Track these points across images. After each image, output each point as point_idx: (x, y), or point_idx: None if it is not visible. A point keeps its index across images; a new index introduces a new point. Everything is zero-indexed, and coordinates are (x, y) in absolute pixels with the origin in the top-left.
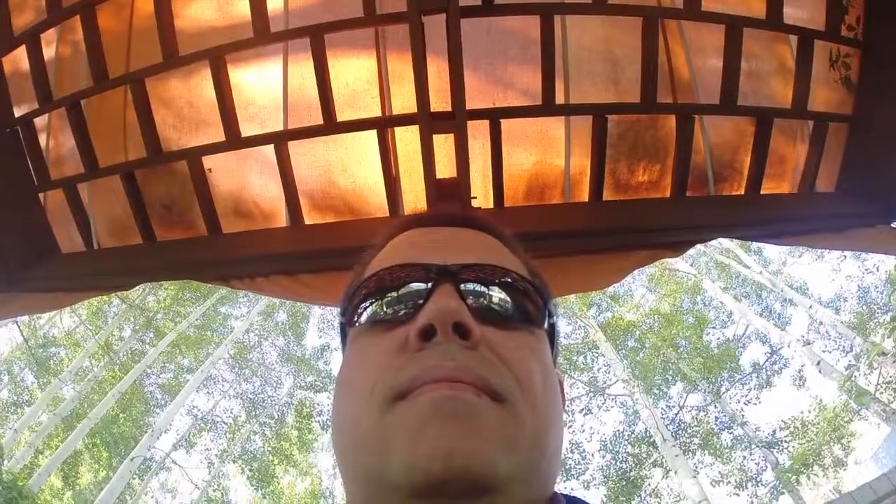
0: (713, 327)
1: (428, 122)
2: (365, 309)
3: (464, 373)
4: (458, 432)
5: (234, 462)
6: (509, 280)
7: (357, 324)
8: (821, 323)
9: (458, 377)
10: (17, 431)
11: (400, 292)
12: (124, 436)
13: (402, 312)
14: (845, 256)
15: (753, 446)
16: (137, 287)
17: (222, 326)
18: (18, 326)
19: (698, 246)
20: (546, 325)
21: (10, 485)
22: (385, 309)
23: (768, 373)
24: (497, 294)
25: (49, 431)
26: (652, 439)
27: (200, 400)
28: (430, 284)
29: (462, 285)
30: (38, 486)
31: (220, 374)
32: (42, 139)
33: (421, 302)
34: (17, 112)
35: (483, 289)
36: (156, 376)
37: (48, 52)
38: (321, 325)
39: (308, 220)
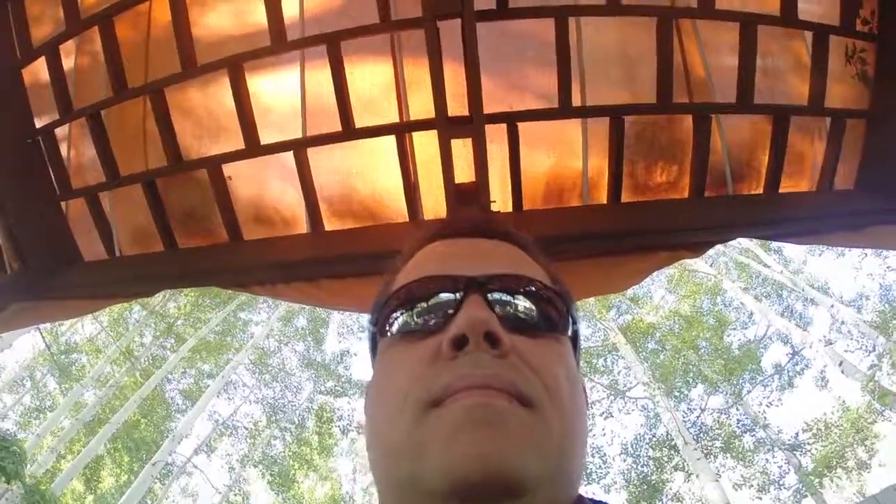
0: (734, 328)
1: (446, 126)
2: (396, 319)
3: (495, 380)
4: (490, 438)
5: (255, 466)
6: (533, 289)
7: (388, 334)
8: (842, 322)
9: (489, 384)
10: (39, 436)
11: (429, 303)
12: (145, 441)
13: (433, 323)
14: (866, 254)
15: (776, 449)
16: (158, 294)
17: (242, 332)
18: (41, 333)
19: (718, 246)
20: (570, 332)
21: (33, 489)
22: (415, 319)
23: (790, 374)
24: (522, 303)
25: (71, 436)
26: (673, 442)
27: (221, 405)
28: (459, 295)
29: (489, 295)
30: (61, 490)
31: (240, 380)
32: (63, 149)
33: (451, 312)
34: (38, 123)
35: (509, 298)
36: (176, 382)
37: (67, 63)
38: (341, 330)
39: (328, 227)
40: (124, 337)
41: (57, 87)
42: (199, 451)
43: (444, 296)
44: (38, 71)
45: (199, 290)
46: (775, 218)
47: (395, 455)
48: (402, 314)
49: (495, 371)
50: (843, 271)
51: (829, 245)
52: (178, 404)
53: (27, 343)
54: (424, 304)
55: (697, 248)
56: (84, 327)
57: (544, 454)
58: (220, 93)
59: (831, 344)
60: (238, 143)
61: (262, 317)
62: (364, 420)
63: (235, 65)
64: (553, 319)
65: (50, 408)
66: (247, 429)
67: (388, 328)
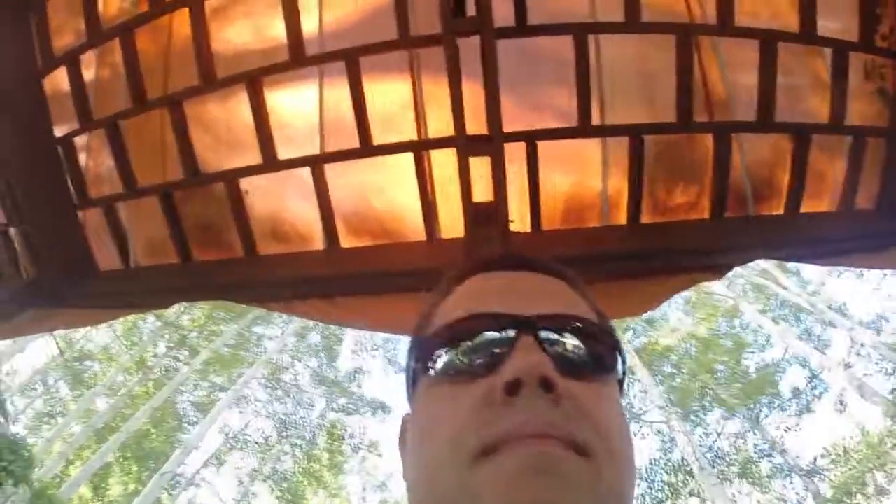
0: (751, 351)
1: (465, 145)
2: (439, 357)
3: (553, 429)
4: (547, 486)
5: (264, 482)
6: (584, 328)
7: (431, 371)
8: (862, 345)
9: (546, 433)
10: (49, 441)
11: (477, 343)
12: (155, 451)
13: (481, 363)
14: (885, 275)
15: (794, 474)
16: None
17: (256, 346)
18: (55, 339)
19: (737, 268)
20: (619, 373)
21: (40, 493)
22: (462, 359)
23: (808, 398)
24: (572, 343)
25: (81, 443)
26: (689, 467)
27: (232, 419)
28: (511, 334)
29: (541, 335)
30: (68, 496)
31: (252, 394)
32: (81, 159)
33: (500, 353)
34: (58, 132)
35: (560, 339)
36: (189, 394)
37: (87, 74)
38: (354, 347)
39: (344, 244)
40: (138, 346)
41: (77, 97)
42: (209, 463)
43: (493, 335)
44: (59, 81)
45: (213, 304)
46: (796, 239)
47: (445, 502)
48: (447, 352)
49: (552, 419)
50: (862, 293)
51: (851, 266)
52: (189, 416)
53: (40, 348)
54: (471, 343)
55: (718, 271)
56: (98, 335)
57: (597, 501)
58: (239, 107)
59: (850, 367)
60: (255, 158)
61: (276, 332)
62: (404, 458)
63: (254, 79)
64: (603, 361)
65: (61, 413)
66: (257, 444)
67: (430, 366)
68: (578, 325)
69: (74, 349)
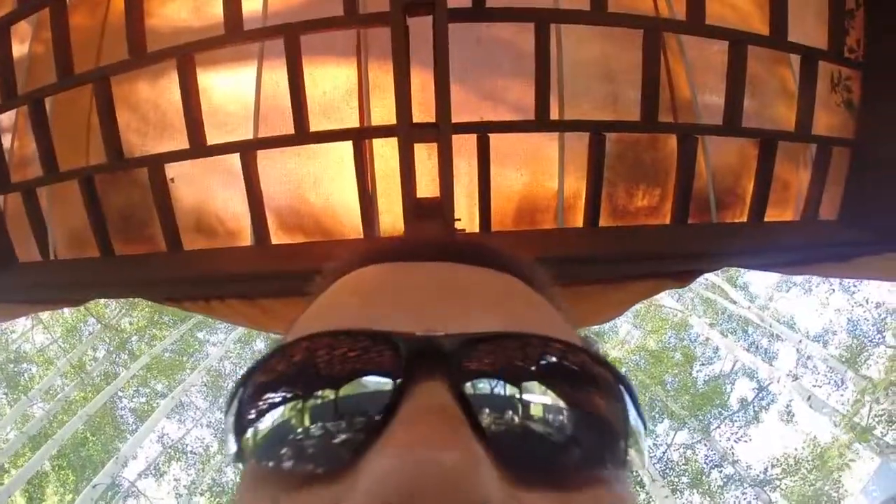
0: (701, 363)
1: (408, 131)
2: (266, 420)
3: None
4: None
5: (202, 494)
6: (562, 362)
7: (250, 445)
8: (808, 357)
9: None
10: None
11: (340, 393)
12: (92, 460)
13: (324, 452)
14: (833, 290)
15: (746, 485)
16: (113, 307)
17: (198, 352)
18: None
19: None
20: (638, 453)
21: None
22: (295, 433)
23: (756, 408)
24: (538, 398)
25: (16, 449)
26: (639, 479)
27: (171, 427)
28: (397, 382)
29: (467, 384)
30: None
31: (192, 402)
32: (7, 139)
33: (368, 423)
34: None
35: (509, 390)
36: (128, 400)
37: (21, 49)
38: None
39: (275, 240)
40: (77, 349)
41: (1, 71)
42: (147, 474)
43: (371, 381)
44: None
45: (155, 306)
46: (760, 247)
47: None
48: (282, 411)
49: None
50: (809, 307)
51: (816, 275)
52: (129, 424)
53: None
54: (329, 394)
55: (683, 278)
56: (35, 337)
57: None
58: (170, 88)
59: (798, 379)
60: (184, 144)
61: (220, 337)
62: None
63: (185, 55)
64: (604, 433)
65: None
66: (195, 454)
67: (250, 436)
68: (547, 353)
69: (10, 351)
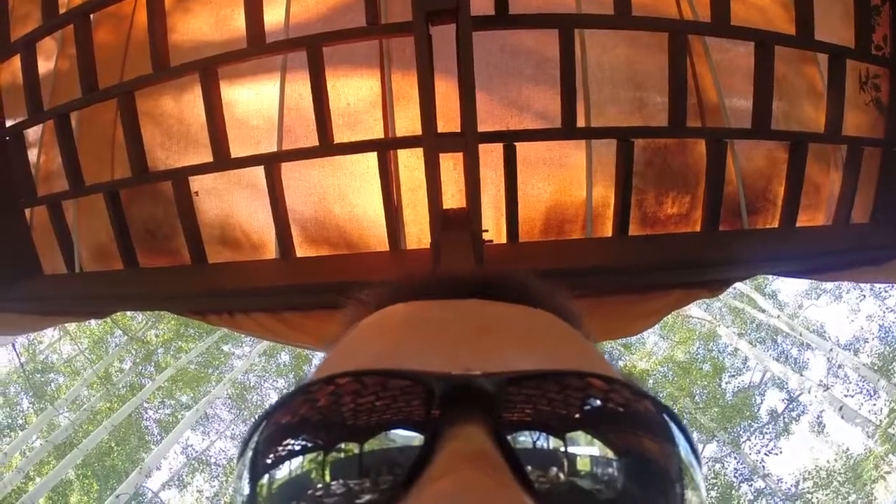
0: (730, 374)
1: (433, 141)
2: (284, 471)
3: None
4: None
5: None
6: (611, 407)
7: (266, 494)
8: (840, 366)
9: None
10: (6, 455)
11: (365, 448)
12: (116, 469)
13: (364, 502)
14: (864, 296)
15: (776, 499)
16: (140, 319)
17: (224, 365)
18: (16, 349)
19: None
20: (692, 494)
21: None
22: (325, 484)
23: (786, 420)
24: (584, 450)
25: (41, 457)
26: None
27: (195, 438)
28: (429, 429)
29: (510, 436)
30: None
31: (217, 413)
32: (33, 154)
33: (409, 471)
34: (10, 124)
35: (553, 443)
36: (153, 411)
37: (47, 65)
38: None
39: (300, 253)
40: (103, 360)
41: (29, 86)
42: (171, 485)
43: (399, 435)
44: (16, 71)
45: (180, 319)
46: (794, 253)
47: None
48: (301, 458)
49: None
50: (840, 314)
51: (850, 281)
52: (153, 434)
53: (2, 358)
54: (351, 447)
55: (715, 287)
56: (62, 348)
57: None
58: (194, 102)
59: (829, 389)
60: (208, 157)
61: (245, 350)
62: None
63: (208, 68)
64: (657, 481)
65: (21, 426)
66: (219, 465)
67: (265, 483)
68: (590, 395)
69: (37, 361)
